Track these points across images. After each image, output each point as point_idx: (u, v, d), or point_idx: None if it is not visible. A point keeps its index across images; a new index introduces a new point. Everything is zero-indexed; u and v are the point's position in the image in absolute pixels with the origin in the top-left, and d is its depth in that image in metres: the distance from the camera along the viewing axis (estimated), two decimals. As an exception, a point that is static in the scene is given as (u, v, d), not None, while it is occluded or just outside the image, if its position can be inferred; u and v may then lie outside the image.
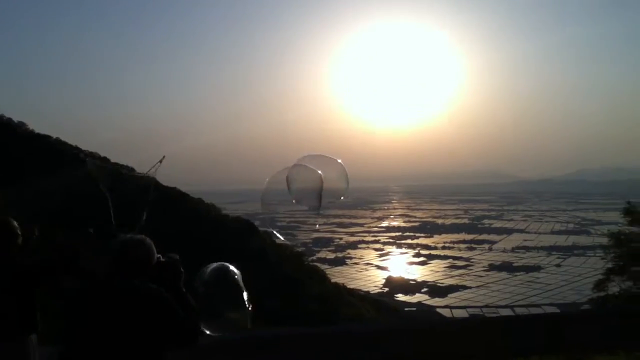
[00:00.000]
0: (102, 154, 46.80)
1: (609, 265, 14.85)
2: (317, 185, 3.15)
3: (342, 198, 3.50)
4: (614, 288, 14.54)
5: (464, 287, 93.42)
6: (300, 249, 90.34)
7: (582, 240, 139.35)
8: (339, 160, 3.43)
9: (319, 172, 3.17)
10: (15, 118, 53.85)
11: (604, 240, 15.52)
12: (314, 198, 3.19)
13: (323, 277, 47.45)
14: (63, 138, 54.31)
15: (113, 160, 35.92)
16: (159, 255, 2.85)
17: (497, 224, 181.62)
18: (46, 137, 52.14)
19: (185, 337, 2.65)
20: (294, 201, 3.18)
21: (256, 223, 58.72)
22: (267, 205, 3.28)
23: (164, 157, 3.55)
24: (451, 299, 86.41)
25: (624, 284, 13.93)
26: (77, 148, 50.36)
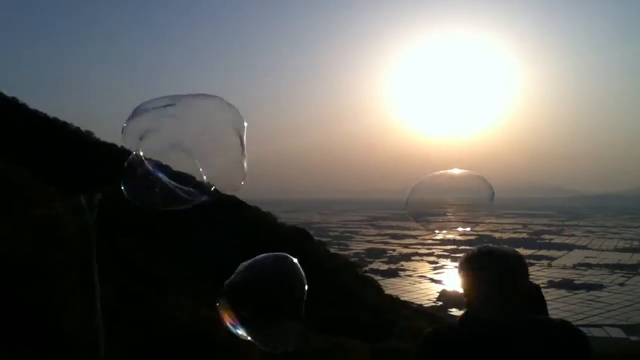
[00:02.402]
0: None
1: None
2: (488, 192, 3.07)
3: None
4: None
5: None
6: (353, 259, 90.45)
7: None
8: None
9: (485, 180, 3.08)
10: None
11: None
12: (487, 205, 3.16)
13: (377, 288, 47.26)
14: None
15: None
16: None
17: (557, 239, 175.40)
18: (112, 145, 54.22)
19: None
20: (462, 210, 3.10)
21: (311, 232, 59.44)
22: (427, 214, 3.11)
23: None
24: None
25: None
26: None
